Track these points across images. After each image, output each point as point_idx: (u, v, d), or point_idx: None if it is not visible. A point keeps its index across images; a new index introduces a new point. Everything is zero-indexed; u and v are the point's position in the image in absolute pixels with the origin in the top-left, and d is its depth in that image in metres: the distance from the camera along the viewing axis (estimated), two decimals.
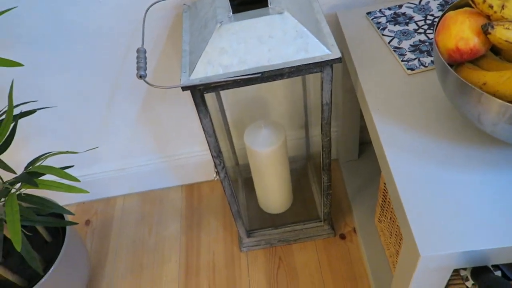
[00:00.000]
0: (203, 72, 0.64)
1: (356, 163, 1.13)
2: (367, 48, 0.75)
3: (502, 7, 0.47)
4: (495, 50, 0.54)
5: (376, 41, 0.76)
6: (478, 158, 0.56)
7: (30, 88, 0.94)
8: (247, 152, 0.94)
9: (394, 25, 0.77)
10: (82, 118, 1.03)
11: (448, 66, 0.49)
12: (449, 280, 0.59)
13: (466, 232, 0.49)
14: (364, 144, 1.15)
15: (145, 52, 0.67)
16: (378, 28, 0.77)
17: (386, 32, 0.76)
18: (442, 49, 0.51)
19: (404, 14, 0.79)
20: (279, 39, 0.64)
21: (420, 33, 0.74)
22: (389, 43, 0.74)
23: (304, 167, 1.18)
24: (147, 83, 0.63)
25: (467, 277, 0.57)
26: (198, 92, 0.66)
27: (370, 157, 1.14)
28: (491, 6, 0.47)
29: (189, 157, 1.18)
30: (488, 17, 0.49)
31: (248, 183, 1.16)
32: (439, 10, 0.78)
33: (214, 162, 0.80)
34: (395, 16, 0.79)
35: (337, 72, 0.98)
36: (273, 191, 1.01)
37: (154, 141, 1.13)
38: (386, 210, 0.87)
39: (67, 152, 0.71)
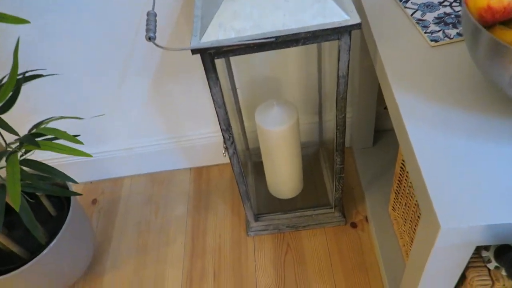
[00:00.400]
0: (215, 35, 0.61)
1: (370, 151, 1.09)
2: (388, 21, 0.71)
3: None
4: None
5: (398, 14, 0.72)
6: (505, 128, 0.52)
7: (38, 56, 0.92)
8: (257, 131, 0.91)
9: None
10: (92, 91, 1.01)
11: (479, 25, 0.45)
12: (469, 262, 0.54)
13: (491, 206, 0.45)
14: (380, 132, 1.11)
15: (155, 15, 0.64)
16: (401, 0, 0.73)
17: (408, 4, 0.72)
18: (473, 9, 0.48)
19: None
20: (295, 3, 0.60)
21: (446, 5, 0.70)
22: (411, 15, 0.70)
23: (316, 153, 1.15)
24: (156, 45, 0.60)
25: (489, 259, 0.52)
26: (209, 56, 0.64)
27: (385, 145, 1.09)
28: None
29: (199, 138, 1.15)
30: None
31: (258, 168, 1.13)
32: None
33: (223, 136, 0.77)
34: None
35: (354, 51, 0.94)
36: (284, 174, 0.98)
37: (164, 121, 1.11)
38: (401, 196, 0.83)
39: (71, 117, 0.69)
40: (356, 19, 0.59)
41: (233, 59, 0.95)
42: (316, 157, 1.14)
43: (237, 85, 1.00)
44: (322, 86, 0.99)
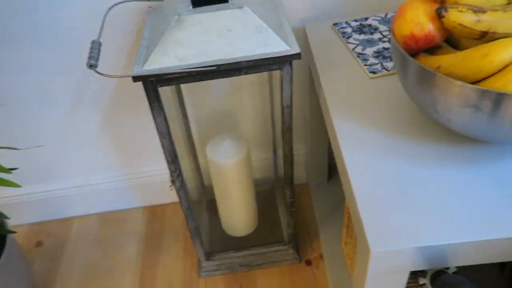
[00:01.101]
0: (157, 63, 0.61)
1: (325, 186, 1.09)
2: (332, 55, 0.73)
3: None
4: (452, 45, 0.53)
5: (341, 49, 0.74)
6: (434, 153, 0.53)
7: None
8: (209, 165, 0.89)
9: (359, 34, 0.76)
10: (39, 123, 0.97)
11: (403, 51, 0.47)
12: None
13: (421, 228, 0.44)
14: (334, 167, 1.12)
15: (100, 44, 0.64)
16: (344, 37, 0.76)
17: (351, 40, 0.75)
18: (398, 37, 0.50)
19: (369, 25, 0.79)
20: (238, 33, 0.62)
21: (384, 41, 0.74)
22: (353, 49, 0.73)
23: (271, 190, 1.13)
24: (97, 72, 0.59)
25: (426, 285, 0.51)
26: (151, 85, 0.63)
27: (340, 180, 1.10)
28: None
29: (154, 175, 1.12)
30: (442, 3, 0.48)
31: (213, 205, 1.10)
32: None
33: (169, 169, 0.75)
34: (360, 26, 0.79)
35: (305, 86, 0.96)
36: (236, 209, 0.96)
37: (116, 157, 1.08)
38: (351, 230, 0.82)
39: (4, 147, 0.66)
40: (296, 49, 0.61)
41: (185, 91, 0.95)
42: (272, 193, 1.13)
43: (190, 119, 0.99)
44: (274, 120, 1.00)
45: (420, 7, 0.48)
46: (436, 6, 0.48)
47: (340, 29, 0.78)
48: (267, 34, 0.62)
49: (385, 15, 0.81)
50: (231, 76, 0.63)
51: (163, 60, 0.61)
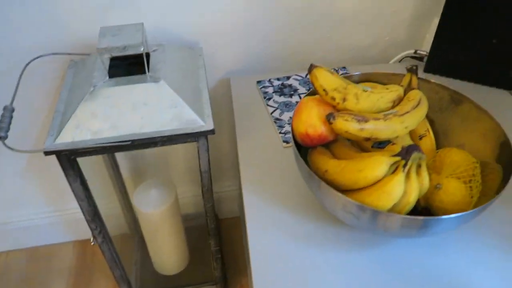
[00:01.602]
0: (70, 136, 0.61)
1: None
2: (252, 117, 0.76)
3: (344, 100, 0.51)
4: None
5: (261, 111, 0.78)
6: (332, 237, 0.57)
7: None
8: (136, 214, 0.90)
9: (280, 96, 0.80)
10: None
11: (297, 151, 0.51)
12: None
13: None
14: None
15: (12, 110, 0.63)
16: (265, 97, 0.80)
17: (271, 102, 0.79)
18: (296, 132, 0.53)
19: (290, 86, 0.82)
20: (153, 107, 0.63)
21: None
22: (271, 113, 0.76)
23: (202, 225, 1.16)
24: (6, 146, 0.59)
25: None
26: (65, 157, 0.63)
27: None
28: (333, 98, 0.50)
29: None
30: (334, 107, 0.52)
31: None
32: None
33: (90, 227, 0.75)
34: (282, 87, 0.82)
35: (233, 132, 0.99)
36: (166, 250, 0.97)
37: (44, 192, 1.06)
38: None
39: None
40: (210, 125, 0.63)
41: None
42: (203, 228, 1.15)
43: (118, 160, 0.99)
44: None
45: (313, 109, 0.51)
46: (329, 107, 0.52)
47: (263, 89, 0.81)
48: (182, 109, 0.63)
49: (306, 75, 0.85)
50: (146, 148, 0.64)
51: (76, 133, 0.61)
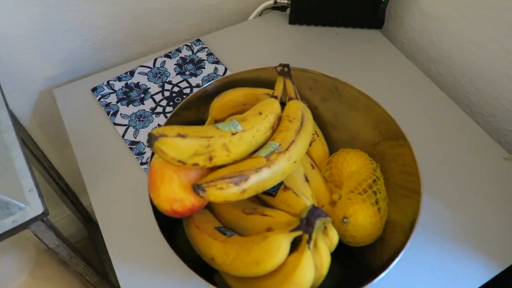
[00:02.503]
0: None
1: None
2: (97, 149, 0.58)
3: (210, 159, 0.37)
4: None
5: (108, 134, 0.59)
6: None
7: None
8: None
9: (128, 105, 0.62)
10: None
11: (161, 233, 0.37)
12: None
13: None
14: None
15: None
16: (108, 113, 0.61)
17: (118, 118, 0.60)
18: (159, 209, 0.39)
19: (137, 85, 0.64)
20: None
21: (159, 113, 0.61)
22: (123, 137, 0.59)
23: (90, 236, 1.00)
24: None
25: None
26: None
27: None
28: (196, 164, 0.36)
29: None
30: (197, 171, 0.38)
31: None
32: (177, 74, 0.65)
33: None
34: (127, 90, 0.63)
35: None
36: None
37: None
38: None
39: None
40: (39, 208, 0.45)
41: None
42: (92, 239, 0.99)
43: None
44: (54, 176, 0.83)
45: (173, 180, 0.37)
46: (192, 171, 0.37)
47: (102, 99, 0.62)
48: None
49: (154, 63, 0.66)
50: None
51: None
